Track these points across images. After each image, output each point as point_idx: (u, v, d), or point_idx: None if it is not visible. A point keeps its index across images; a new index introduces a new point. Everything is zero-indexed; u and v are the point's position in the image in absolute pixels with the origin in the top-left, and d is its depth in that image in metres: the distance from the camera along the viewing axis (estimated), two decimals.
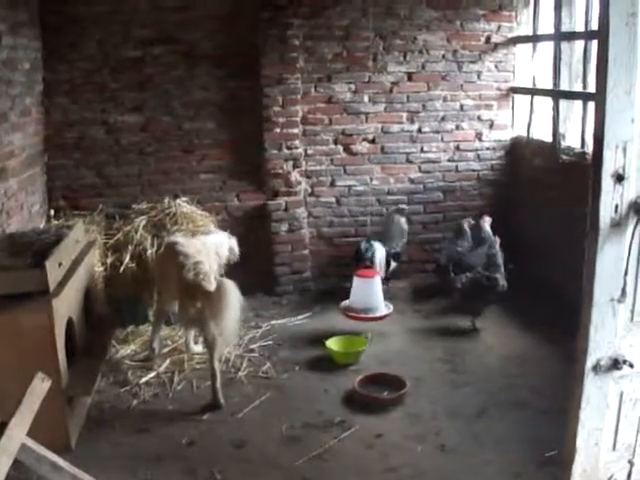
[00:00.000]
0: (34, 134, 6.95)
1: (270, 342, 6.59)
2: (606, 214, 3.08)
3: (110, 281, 6.66)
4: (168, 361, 6.14)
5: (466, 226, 7.46)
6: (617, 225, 3.10)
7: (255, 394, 5.62)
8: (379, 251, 7.33)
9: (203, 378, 5.85)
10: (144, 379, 5.85)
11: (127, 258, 6.67)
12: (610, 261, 3.13)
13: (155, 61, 7.43)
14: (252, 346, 6.46)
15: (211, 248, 6.16)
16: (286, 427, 5.12)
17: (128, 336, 6.59)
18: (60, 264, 4.92)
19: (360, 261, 7.17)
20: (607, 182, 3.05)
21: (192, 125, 7.63)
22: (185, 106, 7.58)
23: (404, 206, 7.74)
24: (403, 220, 7.59)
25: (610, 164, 3.03)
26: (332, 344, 6.24)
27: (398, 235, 7.57)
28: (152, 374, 5.93)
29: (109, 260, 6.70)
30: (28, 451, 3.28)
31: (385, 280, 7.33)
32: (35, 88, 7.01)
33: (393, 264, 7.50)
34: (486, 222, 7.35)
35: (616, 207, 3.09)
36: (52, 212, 7.24)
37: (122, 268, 6.63)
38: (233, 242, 6.57)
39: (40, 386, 3.50)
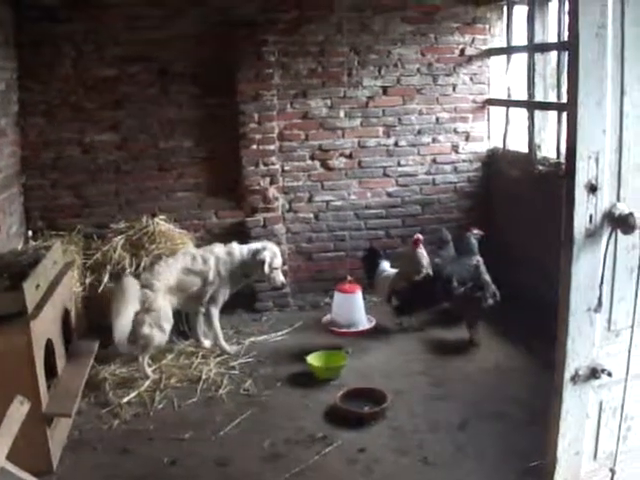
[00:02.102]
0: (10, 155, 6.92)
1: (251, 359, 6.55)
2: (580, 224, 3.10)
3: (89, 301, 6.63)
4: (149, 380, 6.11)
5: (448, 236, 7.45)
6: (592, 235, 3.13)
7: (236, 411, 5.59)
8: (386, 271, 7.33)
9: (184, 397, 5.84)
10: (125, 399, 5.80)
11: (106, 278, 6.66)
12: (585, 271, 3.16)
13: (130, 80, 7.44)
14: (232, 363, 6.42)
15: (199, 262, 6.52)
16: (268, 444, 5.10)
17: (108, 356, 6.54)
18: (38, 285, 4.89)
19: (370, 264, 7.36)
20: (581, 192, 3.07)
21: (168, 143, 7.63)
22: (161, 124, 7.58)
23: (420, 236, 7.26)
24: (422, 252, 7.20)
25: (583, 175, 3.06)
26: (313, 360, 6.22)
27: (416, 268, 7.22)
28: (133, 394, 5.88)
29: (88, 280, 6.68)
30: (8, 475, 3.24)
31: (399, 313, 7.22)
32: (11, 108, 6.99)
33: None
34: (473, 235, 7.30)
35: (590, 217, 3.12)
36: (30, 233, 7.19)
37: (101, 288, 6.61)
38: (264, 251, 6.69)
39: (19, 409, 3.47)
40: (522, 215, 7.44)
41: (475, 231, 7.27)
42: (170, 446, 5.11)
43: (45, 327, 4.84)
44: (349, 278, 6.95)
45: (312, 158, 7.92)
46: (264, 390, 5.97)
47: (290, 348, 6.78)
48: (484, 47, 8.01)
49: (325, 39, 7.69)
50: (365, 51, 7.80)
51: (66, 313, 5.67)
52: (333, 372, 6.16)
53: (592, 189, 3.08)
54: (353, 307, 6.74)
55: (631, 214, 3.10)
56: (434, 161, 8.15)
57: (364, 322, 6.78)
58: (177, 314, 6.62)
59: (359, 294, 6.77)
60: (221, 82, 7.51)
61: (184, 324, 6.86)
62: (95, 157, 7.53)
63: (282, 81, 7.67)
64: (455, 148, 8.18)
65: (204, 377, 6.14)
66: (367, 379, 6.06)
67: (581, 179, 3.06)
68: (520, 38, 7.55)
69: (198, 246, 7.09)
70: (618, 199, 3.18)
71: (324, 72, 7.77)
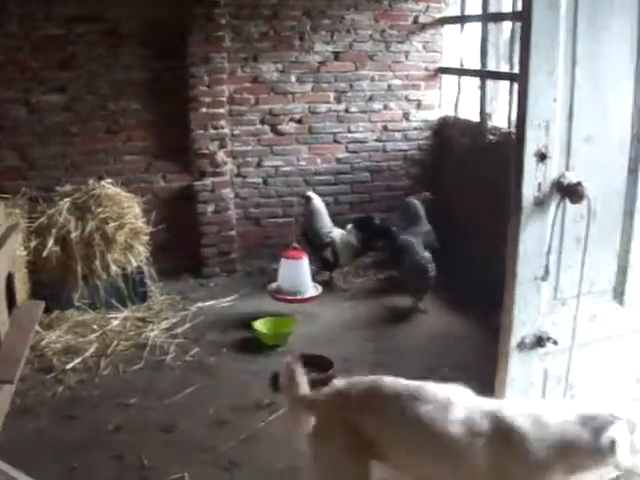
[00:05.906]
0: None
1: (198, 325, 6.53)
2: (529, 193, 3.11)
3: (34, 265, 6.53)
4: (95, 345, 6.05)
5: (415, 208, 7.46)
6: (540, 204, 3.14)
7: (182, 378, 5.56)
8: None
9: (129, 362, 5.81)
10: (70, 365, 5.74)
11: (51, 242, 6.52)
12: (533, 239, 3.17)
13: (78, 39, 7.23)
14: (179, 329, 6.39)
15: None
16: (214, 410, 5.08)
17: (53, 321, 6.47)
18: None
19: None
20: (530, 161, 3.08)
21: (117, 105, 7.46)
22: (110, 86, 7.40)
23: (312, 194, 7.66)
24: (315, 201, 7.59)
25: (533, 143, 3.06)
26: (260, 326, 6.20)
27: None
28: (78, 360, 5.81)
29: (32, 244, 6.54)
30: None
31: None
32: None
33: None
34: (418, 201, 7.35)
35: (539, 185, 3.12)
36: None
37: (46, 252, 6.49)
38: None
39: None
40: (471, 183, 7.44)
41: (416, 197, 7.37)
42: (115, 412, 5.07)
43: None
44: (295, 244, 6.92)
45: (262, 122, 7.84)
46: (210, 356, 5.94)
47: (237, 314, 6.75)
48: (438, 15, 7.98)
49: (278, 2, 7.58)
50: (318, 15, 7.71)
51: (9, 277, 5.58)
52: (280, 338, 6.14)
53: (541, 157, 3.08)
54: (299, 274, 6.71)
55: (579, 183, 3.11)
56: (385, 128, 8.13)
57: (310, 289, 6.76)
58: None
59: (305, 261, 6.74)
60: (171, 44, 7.36)
61: None
62: (41, 118, 7.34)
63: (233, 44, 7.55)
64: (406, 115, 8.16)
65: (150, 343, 6.10)
66: (314, 346, 6.04)
67: (530, 147, 3.06)
68: (474, 7, 7.53)
69: (144, 210, 7.05)
70: (567, 168, 3.19)
71: (276, 36, 7.67)
